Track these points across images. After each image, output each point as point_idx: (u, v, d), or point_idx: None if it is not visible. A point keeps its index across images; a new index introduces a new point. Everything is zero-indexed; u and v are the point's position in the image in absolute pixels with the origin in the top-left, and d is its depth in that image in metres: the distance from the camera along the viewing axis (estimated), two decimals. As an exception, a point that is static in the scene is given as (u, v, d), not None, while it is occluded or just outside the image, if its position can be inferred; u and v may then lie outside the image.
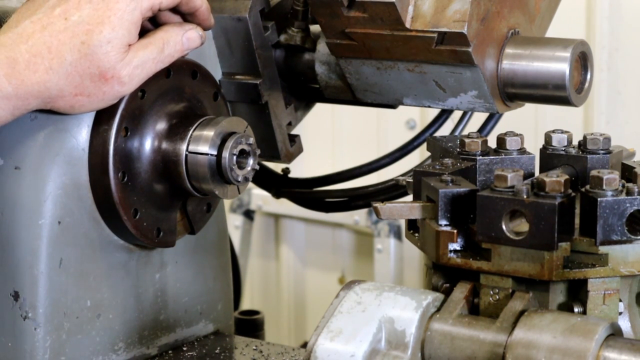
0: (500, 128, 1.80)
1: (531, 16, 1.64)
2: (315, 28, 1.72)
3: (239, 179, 1.56)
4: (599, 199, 1.25)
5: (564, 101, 1.55)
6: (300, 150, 1.82)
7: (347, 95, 1.72)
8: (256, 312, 2.16)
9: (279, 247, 4.30)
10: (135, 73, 1.46)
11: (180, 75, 1.58)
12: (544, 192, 1.25)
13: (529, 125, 3.19)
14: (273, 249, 4.32)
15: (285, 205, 2.34)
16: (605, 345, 1.17)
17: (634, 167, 1.35)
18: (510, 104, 1.62)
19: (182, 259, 1.68)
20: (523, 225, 1.27)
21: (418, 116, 3.71)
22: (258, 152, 1.60)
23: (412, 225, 1.40)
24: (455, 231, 1.30)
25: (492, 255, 1.28)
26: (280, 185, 1.99)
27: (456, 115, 1.88)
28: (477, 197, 1.26)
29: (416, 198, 1.38)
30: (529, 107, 1.76)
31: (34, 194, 1.48)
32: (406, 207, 1.34)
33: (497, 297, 1.29)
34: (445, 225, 1.31)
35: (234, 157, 1.55)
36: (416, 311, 1.23)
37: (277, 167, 1.94)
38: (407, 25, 1.53)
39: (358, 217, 3.92)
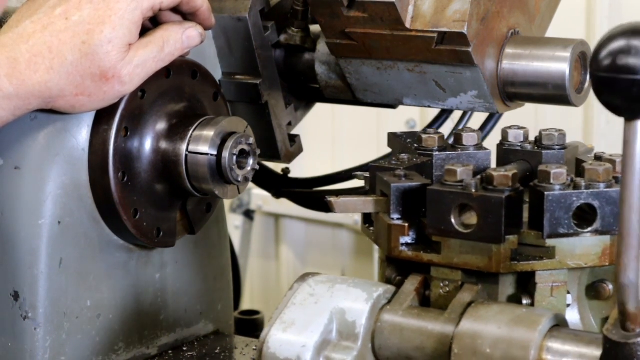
0: (500, 128, 1.80)
1: (531, 16, 1.64)
2: (315, 28, 1.72)
3: (239, 179, 1.56)
4: (545, 193, 1.27)
5: (564, 101, 1.55)
6: (300, 150, 1.82)
7: (347, 95, 1.72)
8: (256, 312, 2.17)
9: (279, 247, 4.30)
10: (136, 72, 1.46)
11: (180, 75, 1.58)
12: (492, 186, 1.27)
13: (529, 125, 3.18)
14: (273, 249, 4.31)
15: (285, 205, 2.34)
16: (549, 336, 1.19)
17: (585, 162, 1.36)
18: (510, 104, 1.62)
19: (182, 259, 1.68)
20: (475, 218, 1.28)
21: (418, 116, 3.71)
22: (258, 152, 1.60)
23: (367, 219, 1.42)
24: (406, 225, 1.32)
25: (442, 248, 1.30)
26: (280, 185, 1.99)
27: (456, 115, 1.88)
28: (427, 191, 1.29)
29: (372, 192, 1.40)
30: (529, 107, 1.76)
31: (34, 194, 1.48)
32: (360, 201, 1.36)
33: (447, 289, 1.31)
34: (397, 219, 1.33)
35: (234, 157, 1.55)
36: (367, 303, 1.25)
37: (277, 167, 1.94)
38: (407, 25, 1.53)
39: (358, 217, 3.92)
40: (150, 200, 1.55)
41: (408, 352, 1.25)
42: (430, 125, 1.89)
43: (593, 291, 1.37)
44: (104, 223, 1.54)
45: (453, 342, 1.20)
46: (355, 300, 1.26)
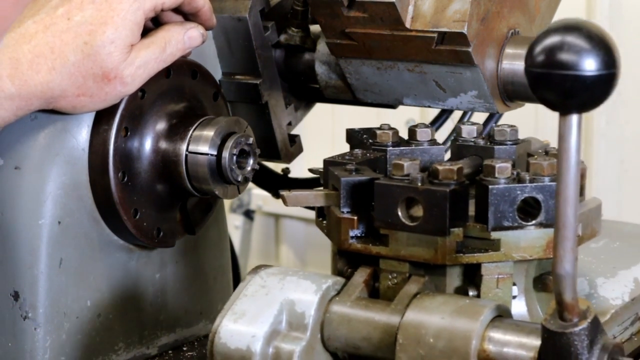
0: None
1: (531, 16, 1.64)
2: (315, 28, 1.72)
3: (239, 179, 1.56)
4: (489, 187, 1.30)
5: (564, 101, 1.55)
6: (300, 150, 1.82)
7: (347, 95, 1.72)
8: (256, 312, 2.16)
9: (279, 247, 4.30)
10: (137, 73, 1.46)
11: (180, 75, 1.58)
12: (438, 180, 1.30)
13: (529, 125, 3.19)
14: (273, 249, 4.32)
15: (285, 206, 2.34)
16: (491, 326, 1.21)
17: (532, 156, 1.39)
18: (510, 104, 1.62)
19: (182, 259, 1.68)
20: (422, 211, 1.32)
21: (418, 116, 3.71)
22: (258, 152, 1.60)
23: (321, 213, 1.45)
24: (355, 218, 1.34)
25: (390, 240, 1.32)
26: (280, 185, 1.99)
27: (456, 115, 1.88)
28: (375, 185, 1.31)
29: (325, 187, 1.43)
30: (529, 107, 1.76)
31: (34, 194, 1.48)
32: (311, 195, 1.39)
33: (396, 281, 1.33)
34: (347, 212, 1.35)
35: (234, 157, 1.55)
36: (316, 294, 1.28)
37: (277, 167, 1.94)
38: (407, 25, 1.53)
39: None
40: (150, 200, 1.56)
41: (355, 342, 1.27)
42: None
43: (540, 283, 1.39)
44: (104, 223, 1.54)
45: (398, 332, 1.23)
46: (305, 291, 1.29)
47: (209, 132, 1.54)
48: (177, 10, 1.54)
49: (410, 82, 1.61)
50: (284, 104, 1.76)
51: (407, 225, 1.30)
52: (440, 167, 1.30)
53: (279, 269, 1.33)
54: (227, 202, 2.36)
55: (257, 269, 1.34)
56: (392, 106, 1.76)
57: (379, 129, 1.49)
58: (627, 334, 1.50)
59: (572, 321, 1.13)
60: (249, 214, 4.22)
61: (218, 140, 1.55)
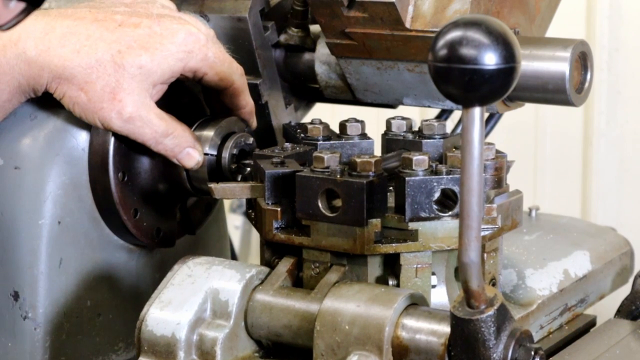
0: (500, 128, 1.80)
1: (531, 16, 1.64)
2: (315, 28, 1.73)
3: (239, 180, 1.56)
4: (406, 178, 1.33)
5: (564, 101, 1.55)
6: (300, 150, 1.82)
7: (347, 95, 1.72)
8: (256, 312, 2.16)
9: (279, 247, 4.29)
10: (134, 122, 1.44)
11: (180, 75, 1.58)
12: (356, 172, 1.32)
13: (529, 125, 3.19)
14: (273, 249, 4.31)
15: (285, 205, 2.34)
16: (404, 314, 1.25)
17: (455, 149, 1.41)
18: (510, 104, 1.62)
19: (182, 259, 1.68)
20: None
21: (418, 116, 3.71)
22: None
23: (250, 205, 1.48)
24: (279, 209, 1.38)
25: (311, 231, 1.36)
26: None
27: (456, 115, 1.88)
28: (296, 177, 1.35)
29: (255, 180, 1.46)
30: (529, 107, 1.76)
31: (34, 194, 1.48)
32: (238, 187, 1.43)
33: (318, 270, 1.37)
34: (272, 204, 1.39)
35: (234, 157, 1.55)
36: (239, 283, 1.33)
37: (277, 167, 1.94)
38: (407, 25, 1.53)
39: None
40: (150, 200, 1.56)
41: (277, 330, 1.32)
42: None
43: None
44: (104, 223, 1.54)
45: (316, 320, 1.26)
46: (229, 280, 1.33)
47: (209, 132, 1.54)
48: (221, 95, 1.54)
49: (410, 82, 1.61)
50: (284, 104, 1.76)
51: (327, 216, 1.33)
52: (358, 160, 1.33)
53: (206, 258, 1.37)
54: (227, 202, 2.36)
55: (185, 259, 1.38)
56: (392, 106, 1.76)
57: (311, 123, 1.52)
58: (556, 324, 1.53)
59: (479, 308, 1.16)
60: (249, 214, 4.20)
61: (218, 140, 1.55)
